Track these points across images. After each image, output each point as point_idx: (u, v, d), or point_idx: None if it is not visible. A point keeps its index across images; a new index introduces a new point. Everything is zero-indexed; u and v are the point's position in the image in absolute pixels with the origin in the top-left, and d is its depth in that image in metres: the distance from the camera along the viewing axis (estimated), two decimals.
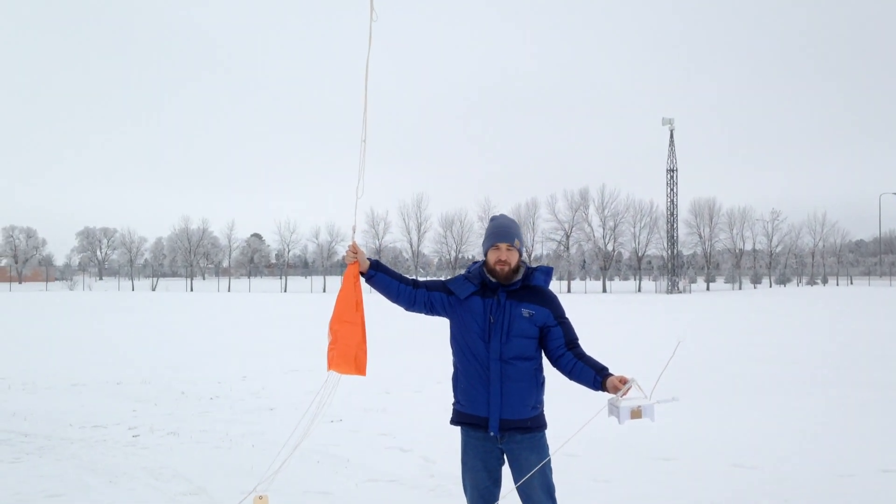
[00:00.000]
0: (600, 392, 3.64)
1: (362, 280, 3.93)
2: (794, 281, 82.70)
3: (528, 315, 3.70)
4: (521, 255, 3.81)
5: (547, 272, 3.85)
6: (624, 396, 3.46)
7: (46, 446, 7.57)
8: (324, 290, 70.35)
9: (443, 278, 4.03)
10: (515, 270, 3.78)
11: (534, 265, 3.92)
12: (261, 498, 3.82)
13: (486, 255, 3.83)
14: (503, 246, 3.74)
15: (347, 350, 3.81)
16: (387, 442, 7.74)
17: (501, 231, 3.77)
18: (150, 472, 6.54)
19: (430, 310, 3.89)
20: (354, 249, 3.85)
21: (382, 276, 3.88)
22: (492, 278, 3.76)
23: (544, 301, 3.78)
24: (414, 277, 4.02)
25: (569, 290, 70.73)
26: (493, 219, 3.90)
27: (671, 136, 67.61)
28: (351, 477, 6.42)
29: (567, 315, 3.86)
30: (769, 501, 5.64)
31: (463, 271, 3.98)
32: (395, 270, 3.97)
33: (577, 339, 3.80)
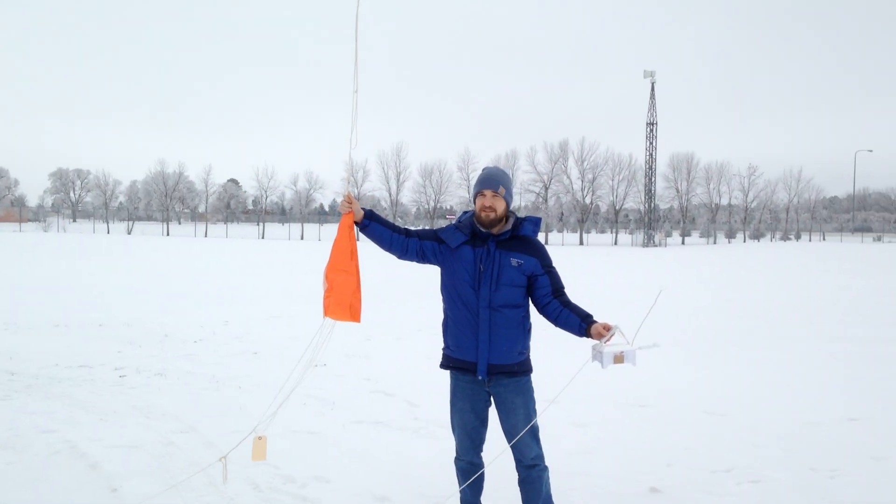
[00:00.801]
0: (585, 338, 3.79)
1: (356, 229, 4.03)
2: (768, 236, 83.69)
3: (516, 264, 3.83)
4: (508, 204, 3.92)
5: (536, 223, 3.98)
6: (607, 343, 3.63)
7: (34, 385, 7.66)
8: (301, 238, 70.16)
9: (433, 228, 4.13)
10: (502, 219, 3.89)
11: (527, 216, 4.03)
12: (260, 438, 3.97)
13: (474, 203, 3.94)
14: (488, 192, 3.84)
15: (343, 298, 3.92)
16: (371, 386, 7.92)
17: (487, 178, 3.88)
18: (140, 411, 6.68)
19: (422, 258, 4.01)
20: (349, 199, 3.93)
21: (376, 225, 3.98)
22: (482, 227, 3.87)
23: (533, 251, 3.91)
24: (406, 227, 4.12)
25: (546, 242, 71.08)
26: (485, 168, 4.01)
27: (652, 88, 67.47)
28: (337, 419, 6.60)
29: (554, 265, 3.99)
30: (739, 446, 5.90)
31: (444, 221, 4.09)
32: (387, 220, 4.07)
33: (563, 287, 3.94)
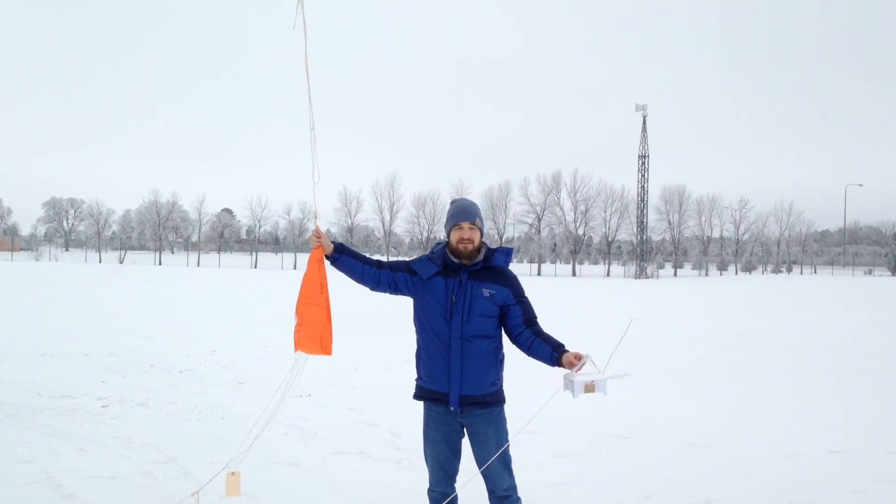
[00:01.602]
0: (557, 368, 3.82)
1: (327, 263, 4.06)
2: (760, 269, 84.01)
3: (488, 294, 3.87)
4: (482, 234, 3.96)
5: (507, 253, 4.02)
6: (579, 372, 3.65)
7: (16, 415, 7.62)
8: (294, 267, 70.12)
9: (407, 259, 4.17)
10: (478, 250, 3.93)
11: (499, 246, 4.08)
12: (233, 474, 3.96)
13: (448, 235, 3.98)
14: (465, 225, 3.89)
15: (313, 331, 3.95)
16: (354, 416, 7.90)
17: (462, 211, 3.93)
18: (121, 442, 6.65)
19: (395, 289, 4.03)
20: (318, 234, 3.97)
21: (347, 258, 4.01)
22: (454, 258, 3.91)
23: (504, 281, 3.94)
24: (378, 258, 4.16)
25: (539, 273, 71.23)
26: (454, 201, 4.05)
27: (644, 122, 68.14)
28: (318, 449, 6.58)
29: (526, 295, 4.03)
30: (719, 478, 5.90)
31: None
32: (360, 252, 4.10)
33: (535, 317, 3.97)
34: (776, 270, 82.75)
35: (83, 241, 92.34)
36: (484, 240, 4.02)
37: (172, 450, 6.38)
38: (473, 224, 3.89)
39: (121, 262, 69.95)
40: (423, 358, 3.95)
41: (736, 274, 77.27)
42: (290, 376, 3.88)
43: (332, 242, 4.01)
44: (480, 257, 3.93)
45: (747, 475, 6.00)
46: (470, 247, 3.88)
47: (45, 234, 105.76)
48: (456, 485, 4.04)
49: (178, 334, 15.12)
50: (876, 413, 8.53)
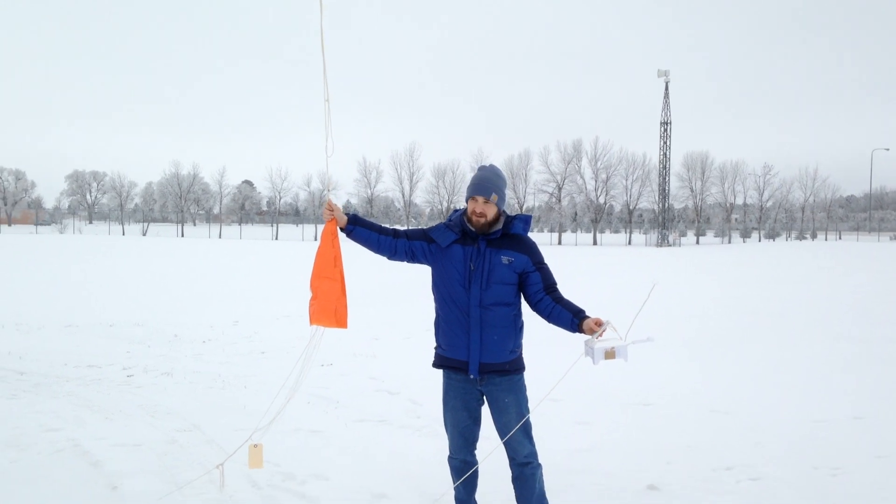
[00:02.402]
0: (577, 334, 3.79)
1: (342, 236, 4.03)
2: (784, 235, 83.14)
3: (507, 262, 3.84)
4: (500, 208, 3.90)
5: (526, 220, 3.97)
6: (599, 338, 3.62)
7: (42, 384, 7.74)
8: (315, 239, 70.35)
9: (424, 227, 4.14)
10: (493, 222, 3.88)
11: (517, 213, 4.04)
12: (255, 446, 4.00)
13: (467, 203, 3.95)
14: (480, 199, 3.84)
15: (327, 304, 3.94)
16: (375, 385, 7.95)
17: (479, 184, 3.86)
18: (146, 410, 6.73)
19: (412, 258, 4.01)
20: (330, 207, 3.94)
21: (361, 229, 3.98)
22: (471, 227, 3.88)
23: (523, 248, 3.91)
24: (394, 227, 4.13)
25: (559, 242, 71.02)
26: (480, 169, 3.99)
27: (666, 88, 67.27)
28: (340, 417, 6.63)
29: (546, 261, 4.00)
30: (741, 444, 5.88)
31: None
32: (374, 222, 4.07)
33: (555, 283, 3.94)
34: (800, 237, 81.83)
35: (106, 214, 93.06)
36: (503, 209, 3.97)
37: (196, 418, 6.45)
38: (488, 199, 3.84)
39: (144, 235, 70.53)
40: (442, 326, 3.93)
41: (759, 241, 76.51)
42: (308, 349, 3.89)
43: (346, 214, 3.98)
44: (500, 226, 3.90)
45: (770, 441, 5.97)
46: (482, 220, 3.85)
47: (69, 207, 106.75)
48: (477, 453, 4.05)
49: (200, 305, 15.26)
50: None
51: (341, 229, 3.98)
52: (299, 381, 4.09)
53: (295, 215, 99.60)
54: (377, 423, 6.46)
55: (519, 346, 3.94)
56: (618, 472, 5.21)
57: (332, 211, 3.94)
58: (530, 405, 3.94)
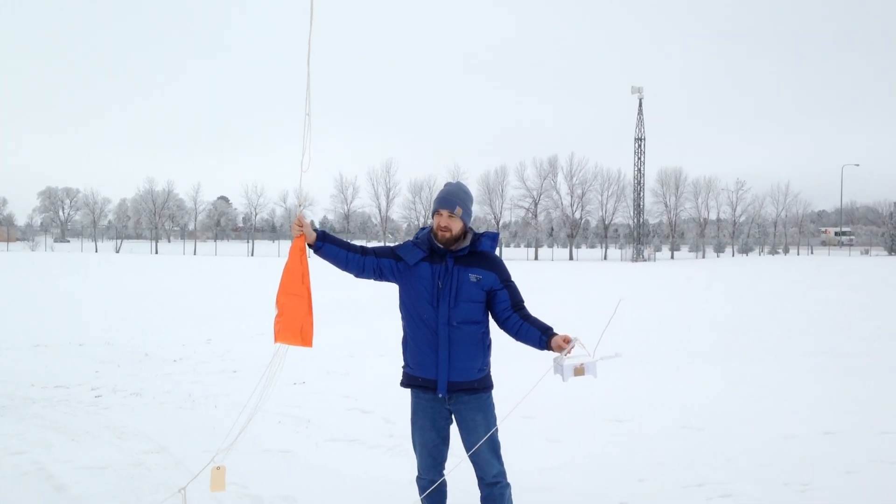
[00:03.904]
0: (546, 351, 3.79)
1: (310, 252, 4.00)
2: (757, 250, 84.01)
3: (475, 280, 3.83)
4: (465, 223, 3.90)
5: (493, 238, 3.97)
6: (568, 355, 3.62)
7: (8, 406, 7.59)
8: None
9: (392, 245, 4.12)
10: (459, 238, 3.87)
11: (485, 231, 4.03)
12: (218, 468, 3.93)
13: (432, 217, 3.94)
14: (445, 212, 3.84)
15: (293, 322, 3.89)
16: (348, 404, 7.88)
17: (443, 198, 3.87)
18: (113, 431, 6.62)
19: (380, 276, 3.98)
20: (300, 222, 3.90)
21: (330, 246, 3.93)
22: (439, 244, 3.87)
23: (491, 265, 3.90)
24: (374, 244, 4.12)
25: (536, 258, 71.19)
26: (446, 184, 3.99)
27: (640, 104, 67.84)
28: (311, 437, 6.56)
29: (513, 279, 3.99)
30: (713, 461, 5.89)
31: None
32: (343, 239, 4.04)
33: (522, 301, 3.94)
34: (773, 252, 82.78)
35: (79, 231, 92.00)
36: (475, 226, 3.96)
37: (164, 439, 6.36)
38: (452, 213, 3.83)
39: (117, 252, 69.73)
40: (410, 345, 3.91)
41: (733, 256, 77.32)
42: (272, 367, 3.84)
43: (315, 230, 3.95)
44: (467, 242, 3.89)
45: (741, 457, 5.99)
46: (447, 235, 3.84)
47: (41, 223, 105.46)
48: (445, 472, 4.02)
49: (173, 323, 15.08)
50: (871, 394, 8.52)
51: (310, 245, 3.95)
52: (262, 399, 4.03)
53: (271, 231, 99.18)
54: (349, 443, 6.40)
55: (487, 364, 3.93)
56: (589, 490, 5.20)
57: (302, 226, 3.90)
58: (498, 421, 3.93)
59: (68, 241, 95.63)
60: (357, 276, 4.01)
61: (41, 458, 5.76)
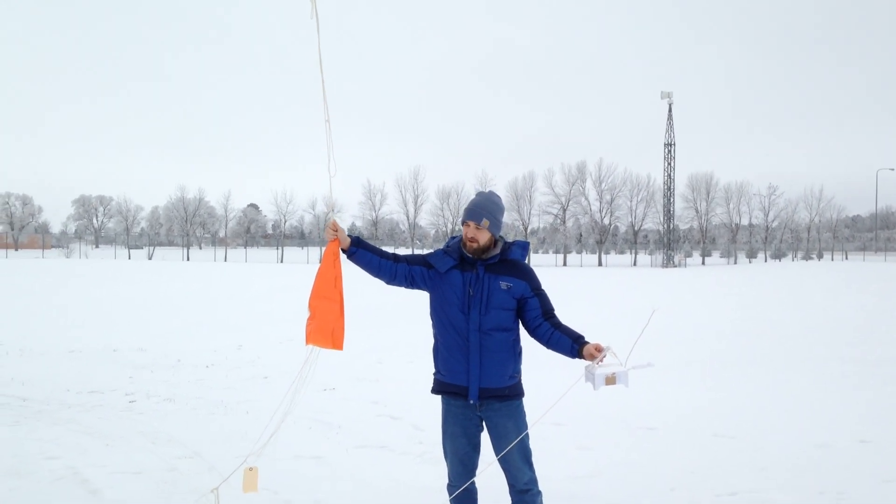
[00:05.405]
0: (577, 360, 3.78)
1: (343, 257, 4.03)
2: (790, 256, 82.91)
3: (506, 287, 3.84)
4: (493, 234, 3.91)
5: (524, 247, 3.99)
6: (600, 364, 3.61)
7: (44, 410, 7.73)
8: (320, 261, 70.31)
9: (422, 253, 4.14)
10: (486, 248, 3.89)
11: (515, 240, 4.05)
12: (251, 469, 3.96)
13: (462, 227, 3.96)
14: (472, 224, 3.86)
15: (325, 325, 3.92)
16: (378, 410, 7.91)
17: (470, 210, 3.89)
18: (146, 437, 6.71)
19: (411, 283, 4.01)
20: (334, 227, 3.94)
21: (364, 252, 3.97)
22: (467, 252, 3.89)
23: (521, 274, 3.92)
24: (403, 251, 4.14)
25: (564, 264, 70.93)
26: (477, 194, 4.01)
27: (669, 109, 67.47)
28: (341, 443, 6.59)
29: (543, 287, 4.00)
30: (746, 470, 5.82)
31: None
32: (376, 246, 4.07)
33: (553, 309, 3.94)
34: (806, 257, 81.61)
35: (112, 238, 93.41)
36: (504, 233, 3.99)
37: (197, 445, 6.42)
38: (479, 225, 3.85)
39: (150, 259, 70.65)
40: (441, 352, 3.93)
41: (765, 261, 76.35)
42: (304, 370, 3.87)
43: (349, 236, 3.99)
44: (497, 251, 3.91)
45: (774, 466, 5.91)
46: (474, 246, 3.87)
47: (76, 231, 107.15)
48: (476, 480, 4.02)
49: (204, 330, 15.26)
50: None
51: (344, 251, 3.98)
52: (293, 403, 4.06)
53: (300, 238, 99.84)
54: (378, 449, 6.42)
55: (518, 371, 3.93)
56: (620, 499, 5.16)
57: (336, 231, 3.94)
58: (528, 428, 3.92)
59: (98, 248, 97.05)
60: (388, 282, 4.03)
61: (76, 463, 5.84)
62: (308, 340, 3.94)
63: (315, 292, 3.94)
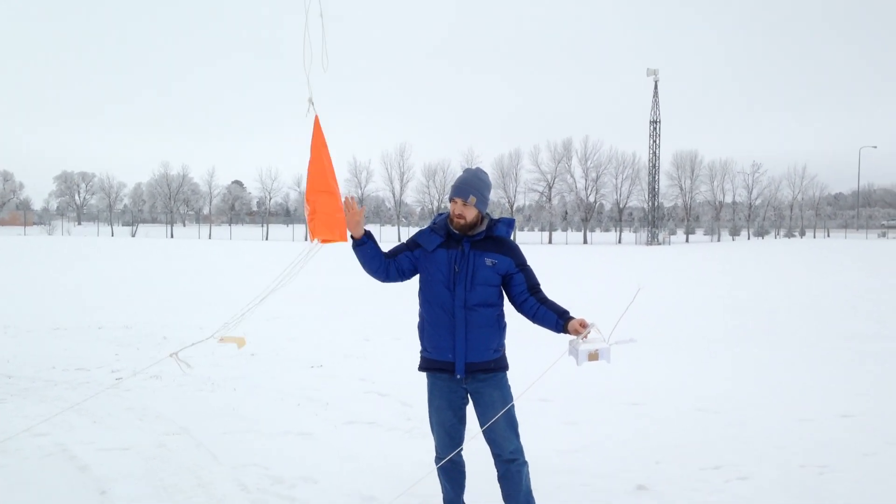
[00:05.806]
0: (562, 334, 3.83)
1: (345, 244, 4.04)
2: (773, 233, 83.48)
3: (490, 264, 3.89)
4: (480, 210, 3.93)
5: (509, 223, 4.03)
6: (584, 339, 3.65)
7: (30, 388, 7.70)
8: (305, 238, 70.26)
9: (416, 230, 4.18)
10: (473, 225, 3.92)
11: (500, 217, 4.07)
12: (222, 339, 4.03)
13: (449, 204, 3.98)
14: (459, 201, 3.89)
15: (329, 218, 3.93)
16: (366, 387, 7.94)
17: (460, 186, 3.91)
18: (134, 413, 6.71)
19: (402, 275, 4.04)
20: (351, 206, 3.92)
21: (373, 244, 3.98)
22: (454, 229, 3.91)
23: (506, 250, 3.96)
24: (396, 242, 4.16)
25: (550, 241, 71.11)
26: (464, 171, 4.03)
27: (655, 87, 67.45)
28: (330, 419, 6.62)
29: (528, 263, 4.05)
30: (730, 444, 5.91)
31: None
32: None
33: (538, 284, 3.99)
34: (789, 235, 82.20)
35: (95, 215, 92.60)
36: (490, 210, 4.02)
37: (185, 421, 6.43)
38: (466, 202, 3.87)
39: (133, 236, 70.22)
40: (427, 329, 3.97)
41: (748, 239, 76.87)
42: (300, 264, 3.89)
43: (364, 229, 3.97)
44: (483, 227, 3.95)
45: (758, 440, 6.00)
46: (462, 222, 3.90)
47: (58, 208, 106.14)
48: (464, 453, 4.07)
49: (190, 306, 15.20)
50: (890, 377, 8.50)
51: (354, 239, 3.97)
52: (272, 293, 4.10)
53: (285, 215, 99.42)
54: (367, 426, 6.45)
55: (502, 345, 4.00)
56: (606, 473, 5.22)
57: (357, 215, 3.91)
58: (514, 399, 3.97)
59: (80, 225, 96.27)
60: (384, 280, 4.06)
61: (64, 440, 5.84)
62: (313, 235, 3.94)
63: (310, 187, 3.93)
